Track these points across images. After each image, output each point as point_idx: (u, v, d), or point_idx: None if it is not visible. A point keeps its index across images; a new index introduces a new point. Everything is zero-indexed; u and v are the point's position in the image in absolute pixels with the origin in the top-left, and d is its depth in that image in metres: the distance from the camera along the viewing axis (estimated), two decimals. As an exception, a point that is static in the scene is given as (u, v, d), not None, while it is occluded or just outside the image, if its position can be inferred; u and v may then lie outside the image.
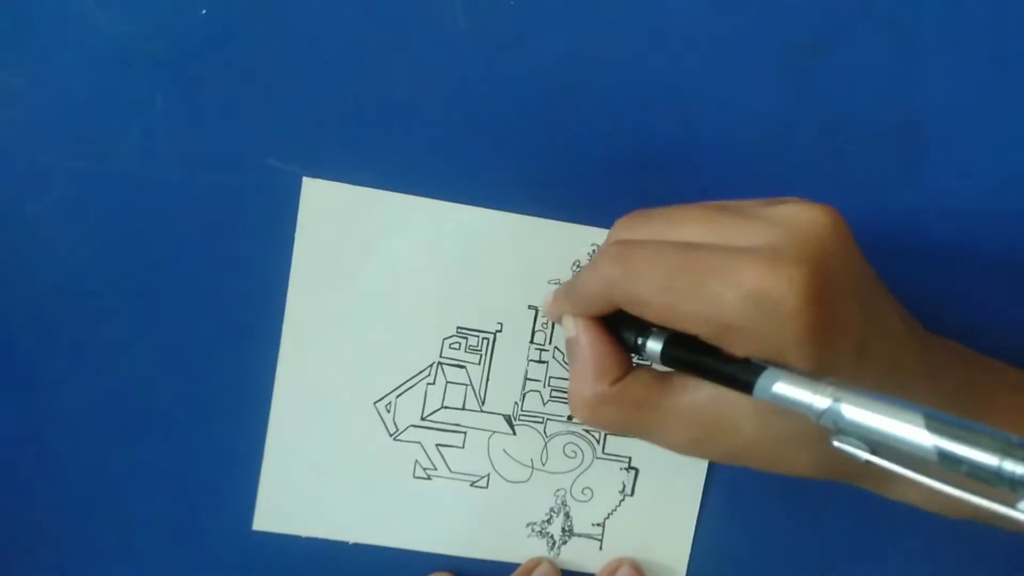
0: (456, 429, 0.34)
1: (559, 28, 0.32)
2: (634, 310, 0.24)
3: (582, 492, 0.34)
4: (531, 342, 0.33)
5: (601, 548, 0.34)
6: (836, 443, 0.22)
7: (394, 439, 0.33)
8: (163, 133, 0.32)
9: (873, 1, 0.33)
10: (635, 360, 0.27)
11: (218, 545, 0.33)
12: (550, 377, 0.33)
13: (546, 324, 0.33)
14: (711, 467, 0.34)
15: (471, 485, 0.34)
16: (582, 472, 0.34)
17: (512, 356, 0.33)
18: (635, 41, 0.32)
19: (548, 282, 0.33)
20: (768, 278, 0.22)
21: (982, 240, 0.34)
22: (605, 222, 0.32)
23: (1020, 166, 0.34)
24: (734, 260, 0.22)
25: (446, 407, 0.33)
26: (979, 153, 0.34)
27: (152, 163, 0.32)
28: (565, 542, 0.34)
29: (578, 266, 0.33)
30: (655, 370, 0.26)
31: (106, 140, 0.31)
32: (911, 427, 0.20)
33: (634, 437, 0.27)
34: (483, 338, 0.33)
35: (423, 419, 0.33)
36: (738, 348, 0.23)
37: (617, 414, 0.26)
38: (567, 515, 0.34)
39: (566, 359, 0.33)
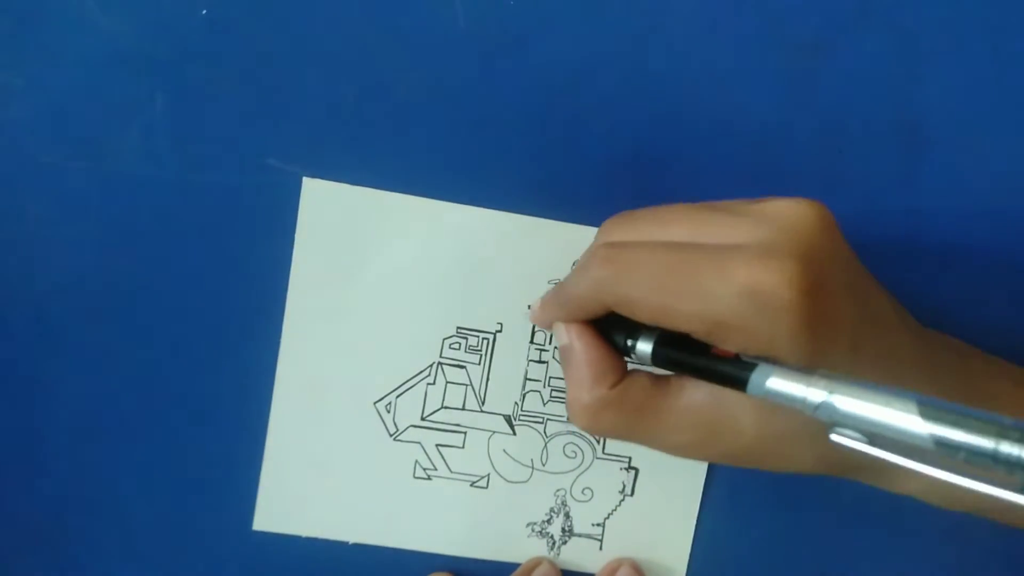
0: (456, 429, 0.34)
1: (559, 28, 0.32)
2: (626, 311, 0.24)
3: (582, 492, 0.34)
4: (531, 342, 0.33)
5: (601, 548, 0.34)
6: (833, 436, 0.22)
7: (394, 439, 0.33)
8: (163, 133, 0.32)
9: (873, 1, 0.33)
10: (630, 365, 0.27)
11: (218, 545, 0.33)
12: (550, 377, 0.33)
13: (546, 324, 0.33)
14: (711, 467, 0.34)
15: (471, 485, 0.34)
16: (582, 472, 0.34)
17: (512, 356, 0.33)
18: (635, 41, 0.32)
19: (548, 282, 0.33)
20: (760, 273, 0.22)
21: (982, 240, 0.34)
22: (605, 222, 0.32)
23: (1020, 166, 0.34)
24: (725, 257, 0.22)
25: (446, 407, 0.33)
26: (979, 153, 0.34)
27: (152, 163, 0.32)
28: (565, 542, 0.34)
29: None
30: (652, 373, 0.26)
31: (106, 140, 0.31)
32: (905, 415, 0.20)
33: (634, 442, 0.27)
34: (483, 338, 0.33)
35: (423, 419, 0.33)
36: (732, 345, 0.23)
37: (617, 418, 0.26)
38: (567, 515, 0.34)
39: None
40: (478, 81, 0.32)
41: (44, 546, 0.33)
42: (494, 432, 0.34)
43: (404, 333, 0.33)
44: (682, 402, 0.26)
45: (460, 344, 0.33)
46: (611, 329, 0.26)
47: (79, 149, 0.31)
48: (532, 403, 0.34)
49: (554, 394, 0.34)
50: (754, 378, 0.23)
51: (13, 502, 0.33)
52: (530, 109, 0.32)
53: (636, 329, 0.26)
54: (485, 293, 0.33)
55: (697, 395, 0.25)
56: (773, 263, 0.22)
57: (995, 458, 0.19)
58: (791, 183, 0.33)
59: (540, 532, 0.34)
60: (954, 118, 0.33)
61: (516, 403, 0.34)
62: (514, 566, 0.34)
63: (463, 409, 0.33)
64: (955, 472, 0.20)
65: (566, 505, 0.34)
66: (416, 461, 0.34)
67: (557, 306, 0.27)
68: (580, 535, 0.34)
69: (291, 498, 0.33)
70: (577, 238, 0.33)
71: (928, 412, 0.20)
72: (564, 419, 0.34)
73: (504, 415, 0.34)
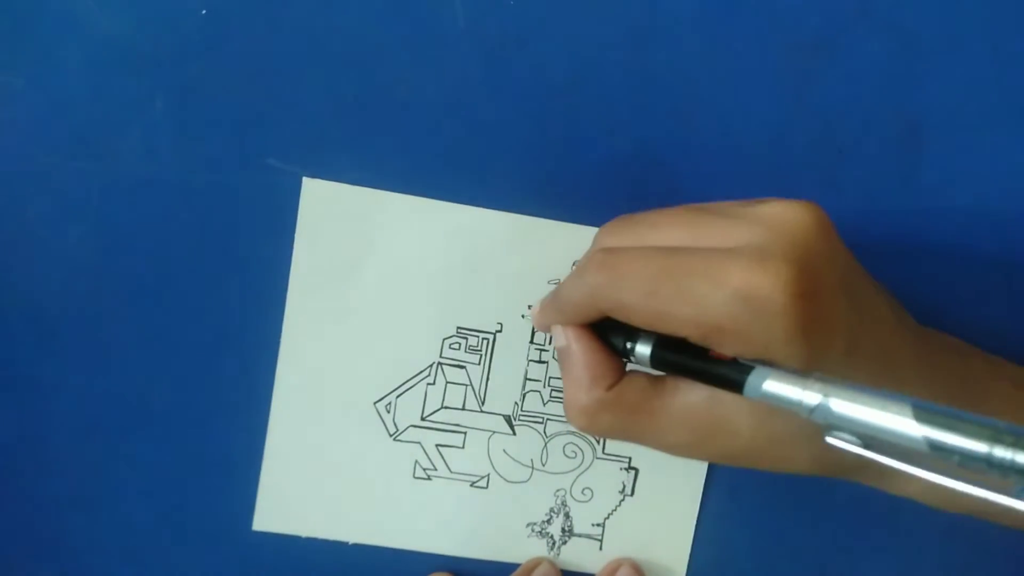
0: (456, 429, 0.34)
1: (559, 28, 0.32)
2: (622, 316, 0.24)
3: (582, 492, 0.34)
4: (531, 342, 0.33)
5: (601, 548, 0.34)
6: (829, 438, 0.22)
7: (394, 439, 0.33)
8: (163, 133, 0.32)
9: (873, 1, 0.33)
10: (628, 366, 0.27)
11: (218, 545, 0.33)
12: (550, 377, 0.33)
13: (546, 324, 0.33)
14: (711, 467, 0.34)
15: (471, 485, 0.34)
16: (582, 472, 0.34)
17: (512, 356, 0.33)
18: (635, 41, 0.32)
19: (548, 282, 0.33)
20: (754, 277, 0.22)
21: (982, 240, 0.34)
22: (605, 222, 0.32)
23: (1020, 166, 0.34)
24: (719, 261, 0.22)
25: (446, 407, 0.33)
26: (979, 153, 0.34)
27: (152, 163, 0.32)
28: (565, 542, 0.34)
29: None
30: (649, 374, 0.26)
31: (106, 140, 0.31)
32: (900, 418, 0.20)
33: (632, 442, 0.27)
34: (483, 338, 0.33)
35: (423, 419, 0.33)
36: (727, 348, 0.23)
37: (615, 419, 0.26)
38: (567, 515, 0.34)
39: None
40: (478, 81, 0.32)
41: (44, 546, 0.33)
42: (494, 432, 0.34)
43: (404, 333, 0.33)
44: (679, 403, 0.26)
45: (460, 344, 0.33)
46: (610, 332, 0.26)
47: (79, 149, 0.31)
48: (532, 403, 0.34)
49: (554, 394, 0.34)
50: (750, 381, 0.23)
51: (13, 502, 0.33)
52: (530, 109, 0.32)
53: (635, 332, 0.26)
54: (485, 293, 0.33)
55: (693, 396, 0.25)
56: (767, 267, 0.22)
57: (989, 462, 0.19)
58: (791, 183, 0.33)
59: (540, 532, 0.34)
60: (954, 118, 0.33)
61: (516, 403, 0.34)
62: (514, 566, 0.34)
63: (463, 409, 0.33)
64: (950, 475, 0.20)
65: (566, 505, 0.34)
66: (416, 461, 0.34)
67: (555, 311, 0.27)
68: (580, 535, 0.34)
69: (291, 498, 0.33)
70: (577, 238, 0.33)
71: (923, 415, 0.20)
72: (564, 419, 0.34)
73: (504, 415, 0.34)
